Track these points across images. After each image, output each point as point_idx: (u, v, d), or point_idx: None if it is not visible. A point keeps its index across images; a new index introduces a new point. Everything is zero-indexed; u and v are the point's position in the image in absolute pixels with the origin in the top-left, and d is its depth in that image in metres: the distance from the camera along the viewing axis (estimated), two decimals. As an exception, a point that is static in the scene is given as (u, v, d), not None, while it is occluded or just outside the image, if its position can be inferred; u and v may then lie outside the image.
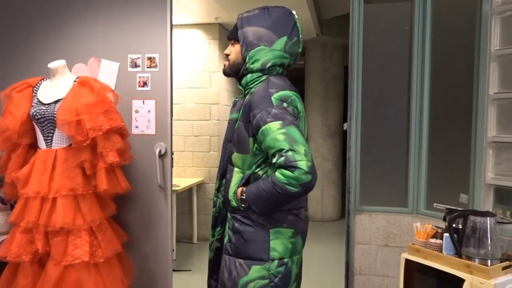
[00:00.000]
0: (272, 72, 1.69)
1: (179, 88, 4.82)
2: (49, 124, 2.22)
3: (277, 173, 1.53)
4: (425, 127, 2.48)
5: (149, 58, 2.59)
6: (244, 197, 1.64)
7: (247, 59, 1.68)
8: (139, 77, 2.60)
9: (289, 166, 1.48)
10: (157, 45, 2.57)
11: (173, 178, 2.72)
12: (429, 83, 2.47)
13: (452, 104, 2.38)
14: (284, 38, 1.67)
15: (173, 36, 2.64)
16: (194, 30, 4.85)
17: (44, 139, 2.24)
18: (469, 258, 1.92)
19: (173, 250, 3.91)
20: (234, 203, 1.71)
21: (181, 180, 4.60)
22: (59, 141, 2.23)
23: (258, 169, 1.67)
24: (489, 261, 1.87)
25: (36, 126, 2.26)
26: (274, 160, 1.53)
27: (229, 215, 1.77)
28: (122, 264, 2.36)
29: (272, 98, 1.59)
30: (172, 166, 2.65)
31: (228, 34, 1.79)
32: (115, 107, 2.31)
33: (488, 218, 1.91)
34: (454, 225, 1.99)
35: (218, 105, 4.86)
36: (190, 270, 3.94)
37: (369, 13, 2.56)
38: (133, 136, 2.54)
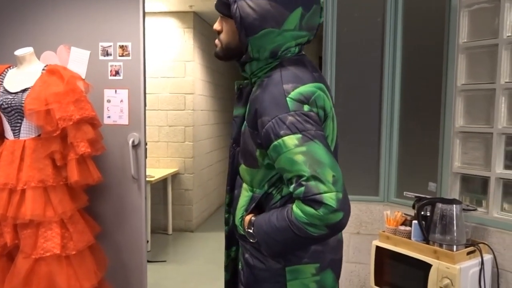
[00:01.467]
0: (286, 55, 1.23)
1: (153, 77, 4.75)
2: (16, 114, 2.15)
3: (295, 208, 1.10)
4: (396, 117, 2.54)
5: (121, 47, 2.53)
6: (251, 231, 1.22)
7: (248, 47, 1.20)
8: (111, 65, 2.54)
9: (312, 200, 1.05)
10: (130, 33, 2.52)
11: (147, 169, 2.70)
12: (400, 74, 2.52)
13: (422, 94, 2.44)
14: (299, 11, 1.17)
15: (146, 24, 2.59)
16: (168, 18, 4.77)
17: (12, 129, 2.18)
18: (436, 244, 1.99)
19: (147, 241, 3.88)
20: (241, 231, 1.29)
21: (156, 170, 4.56)
22: (27, 131, 2.17)
23: (272, 188, 1.24)
24: (454, 246, 1.95)
25: (2, 116, 2.19)
26: (290, 189, 1.11)
27: (239, 239, 1.36)
28: (95, 256, 2.33)
29: (288, 100, 1.12)
30: (146, 157, 2.62)
31: (216, 5, 1.26)
32: (86, 96, 2.27)
33: (454, 205, 1.98)
34: (422, 213, 2.06)
35: (193, 95, 4.82)
36: (165, 261, 3.93)
37: (343, 5, 2.58)
38: (105, 126, 2.49)
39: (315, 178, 1.05)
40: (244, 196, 1.29)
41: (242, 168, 1.29)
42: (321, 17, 1.26)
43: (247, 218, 1.25)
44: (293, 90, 1.14)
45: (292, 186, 1.10)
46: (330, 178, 1.05)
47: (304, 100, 1.13)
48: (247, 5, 1.15)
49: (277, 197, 1.24)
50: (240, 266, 1.37)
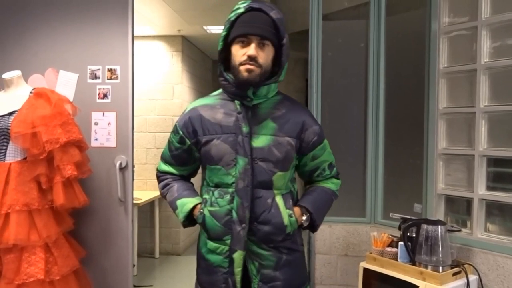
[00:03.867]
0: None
1: (141, 99, 4.77)
2: (2, 137, 2.14)
3: (330, 184, 1.65)
4: (381, 140, 2.59)
5: (110, 70, 2.56)
6: (306, 216, 1.56)
7: (283, 70, 1.51)
8: (99, 88, 2.56)
9: (338, 174, 1.70)
10: (118, 57, 2.54)
11: (134, 191, 2.68)
12: (384, 98, 2.58)
13: (405, 117, 2.50)
14: None
15: (135, 47, 2.62)
16: (157, 42, 4.83)
17: (-3, 152, 2.16)
18: (422, 265, 2.01)
19: (134, 265, 3.81)
20: (289, 228, 1.52)
21: (143, 193, 4.52)
22: (13, 154, 2.15)
23: (291, 185, 1.60)
24: (440, 267, 1.96)
25: (-12, 138, 2.17)
26: (327, 172, 1.64)
27: (265, 252, 1.51)
28: (80, 281, 2.29)
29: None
30: (133, 179, 2.61)
31: (259, 31, 1.42)
32: (73, 119, 2.27)
33: (439, 226, 2.00)
34: (408, 234, 2.08)
35: (181, 117, 4.84)
36: (151, 286, 3.85)
37: (327, 30, 2.65)
38: (92, 149, 2.49)
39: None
40: (280, 200, 1.52)
41: (278, 175, 1.51)
42: None
43: (297, 208, 1.55)
44: None
45: (328, 171, 1.64)
46: None
47: None
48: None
49: (294, 191, 1.60)
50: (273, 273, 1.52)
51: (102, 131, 2.55)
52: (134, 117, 2.64)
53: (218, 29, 4.61)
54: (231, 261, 1.50)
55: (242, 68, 1.44)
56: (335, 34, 2.67)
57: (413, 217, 2.20)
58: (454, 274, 1.98)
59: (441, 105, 2.30)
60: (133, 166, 2.62)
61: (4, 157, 2.15)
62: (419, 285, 1.96)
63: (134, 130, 2.65)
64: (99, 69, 2.55)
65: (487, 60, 2.12)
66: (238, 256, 1.49)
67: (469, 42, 2.19)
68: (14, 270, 2.05)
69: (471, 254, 2.13)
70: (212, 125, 1.52)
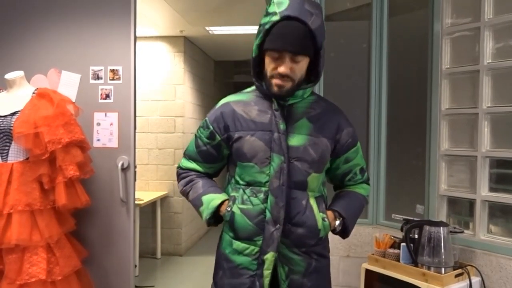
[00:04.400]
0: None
1: (143, 100, 4.77)
2: (4, 137, 2.14)
3: (361, 190, 1.60)
4: (383, 141, 2.58)
5: (112, 70, 2.56)
6: (340, 220, 1.51)
7: (320, 76, 1.48)
8: (102, 89, 2.56)
9: (368, 179, 1.65)
10: (121, 57, 2.55)
11: (136, 192, 2.68)
12: (386, 99, 2.57)
13: (408, 119, 2.49)
14: None
15: (137, 48, 2.62)
16: (159, 43, 4.83)
17: (0, 153, 2.16)
18: (424, 266, 2.00)
19: (135, 266, 3.82)
20: (322, 233, 1.47)
21: (145, 193, 4.52)
22: (15, 154, 2.15)
23: (322, 188, 1.56)
24: (443, 269, 1.96)
25: (-10, 139, 2.18)
26: (359, 177, 1.59)
27: (296, 257, 1.46)
28: (81, 281, 2.29)
29: None
30: (135, 180, 2.61)
31: (292, 49, 1.35)
32: (76, 119, 2.27)
33: (441, 227, 2.00)
34: (410, 235, 2.07)
35: (183, 117, 4.84)
36: (153, 286, 3.85)
37: (330, 30, 2.64)
38: (94, 149, 2.49)
39: None
40: (314, 202, 1.47)
41: (313, 177, 1.46)
42: None
43: (330, 212, 1.51)
44: None
45: (360, 175, 1.59)
46: None
47: None
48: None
49: (325, 196, 1.57)
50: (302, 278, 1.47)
51: (104, 131, 2.56)
52: (136, 118, 2.64)
53: (220, 30, 4.61)
54: (260, 263, 1.43)
55: (273, 81, 1.39)
56: (338, 35, 2.67)
57: (415, 218, 2.19)
58: (456, 276, 1.98)
59: (443, 106, 2.29)
60: (135, 167, 2.62)
61: (7, 157, 2.15)
62: (421, 286, 1.95)
63: (136, 131, 2.65)
64: (101, 69, 2.56)
65: (490, 61, 2.11)
66: (269, 257, 1.41)
67: (472, 43, 2.19)
68: (16, 270, 2.05)
69: (473, 255, 2.12)
70: (246, 121, 1.46)
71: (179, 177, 1.65)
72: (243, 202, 1.45)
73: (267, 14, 1.39)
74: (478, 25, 2.14)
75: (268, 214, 1.41)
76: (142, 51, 4.74)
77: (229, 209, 1.47)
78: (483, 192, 2.13)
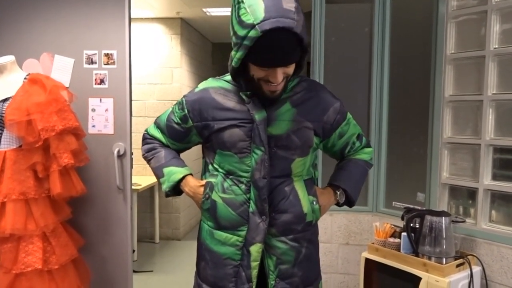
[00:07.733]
0: None
1: (140, 84, 4.69)
2: (-4, 124, 2.09)
3: (362, 155, 1.57)
4: (384, 128, 2.53)
5: (106, 55, 2.48)
6: (340, 191, 1.51)
7: (304, 66, 1.41)
8: (96, 74, 2.49)
9: (369, 142, 1.63)
10: (115, 41, 2.47)
11: (134, 177, 2.64)
12: (388, 85, 2.52)
13: (410, 105, 2.44)
14: None
15: (132, 30, 2.54)
16: (155, 25, 4.72)
17: (-8, 140, 2.11)
18: (425, 256, 1.98)
19: (134, 251, 3.81)
20: (310, 217, 1.45)
21: (143, 178, 4.49)
22: (8, 142, 2.10)
23: (313, 170, 1.53)
24: (444, 259, 1.94)
25: (-18, 126, 2.12)
26: (358, 144, 1.57)
27: (284, 246, 1.42)
28: (78, 270, 2.27)
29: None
30: (131, 167, 2.57)
31: (283, 63, 1.27)
32: (70, 106, 2.21)
33: (443, 217, 1.97)
34: (411, 225, 2.04)
35: (181, 101, 4.77)
36: (151, 271, 3.86)
37: (331, 13, 2.57)
38: (89, 136, 2.43)
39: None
40: (301, 187, 1.44)
41: (298, 162, 1.42)
42: None
43: (329, 189, 1.52)
44: None
45: (358, 142, 1.57)
46: None
47: None
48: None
49: (315, 177, 1.54)
50: (291, 268, 1.44)
51: (100, 117, 2.50)
52: (133, 102, 2.58)
53: (217, 12, 4.50)
54: (245, 254, 1.39)
55: (265, 88, 1.33)
56: (339, 18, 2.59)
57: (416, 207, 2.16)
58: (457, 266, 1.96)
59: (447, 92, 2.24)
60: (131, 153, 2.57)
61: (-1, 145, 2.10)
62: (422, 276, 1.94)
63: (133, 115, 2.59)
64: (95, 53, 2.48)
65: (496, 46, 2.05)
66: (256, 249, 1.38)
67: (478, 27, 2.12)
68: (12, 260, 2.02)
69: (474, 244, 2.10)
70: (224, 110, 1.41)
71: (144, 141, 1.66)
72: (224, 191, 1.42)
73: (242, 24, 1.22)
74: (485, 9, 2.07)
75: (252, 205, 1.39)
76: (137, 33, 4.63)
77: (207, 196, 1.44)
78: (486, 181, 2.09)
